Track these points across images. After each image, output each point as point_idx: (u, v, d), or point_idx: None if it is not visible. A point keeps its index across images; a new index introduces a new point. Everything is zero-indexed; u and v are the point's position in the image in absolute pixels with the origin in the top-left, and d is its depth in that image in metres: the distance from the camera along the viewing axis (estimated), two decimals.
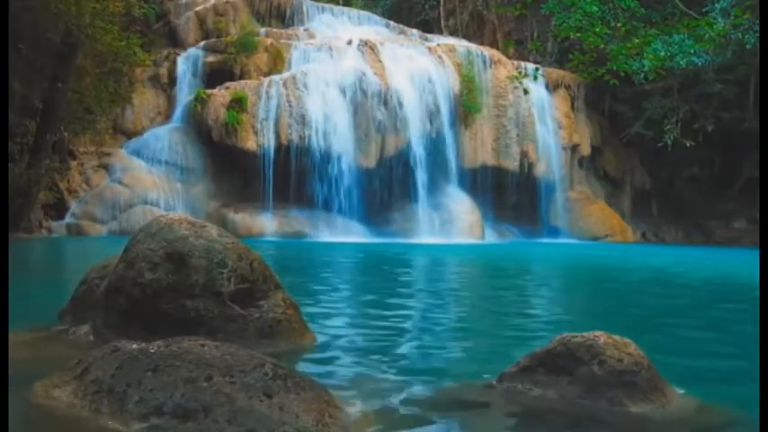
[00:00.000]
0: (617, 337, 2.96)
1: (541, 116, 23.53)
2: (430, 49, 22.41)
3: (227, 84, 19.92)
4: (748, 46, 19.40)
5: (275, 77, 20.08)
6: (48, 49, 14.95)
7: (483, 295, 8.06)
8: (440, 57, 22.07)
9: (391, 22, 25.12)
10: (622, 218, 24.91)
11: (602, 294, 8.47)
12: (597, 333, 2.97)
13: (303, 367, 3.41)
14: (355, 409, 2.71)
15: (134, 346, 2.70)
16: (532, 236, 22.75)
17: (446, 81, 21.58)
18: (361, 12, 25.85)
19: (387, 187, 20.61)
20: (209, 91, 19.75)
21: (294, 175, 19.36)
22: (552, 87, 24.18)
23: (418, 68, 21.27)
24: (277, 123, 19.43)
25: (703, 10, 16.75)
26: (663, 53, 16.24)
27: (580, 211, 23.92)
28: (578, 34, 11.79)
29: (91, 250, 12.73)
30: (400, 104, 20.49)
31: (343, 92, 20.10)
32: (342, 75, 20.24)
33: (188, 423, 2.34)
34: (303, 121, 19.50)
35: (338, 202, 19.95)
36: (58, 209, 17.70)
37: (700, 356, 4.32)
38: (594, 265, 13.44)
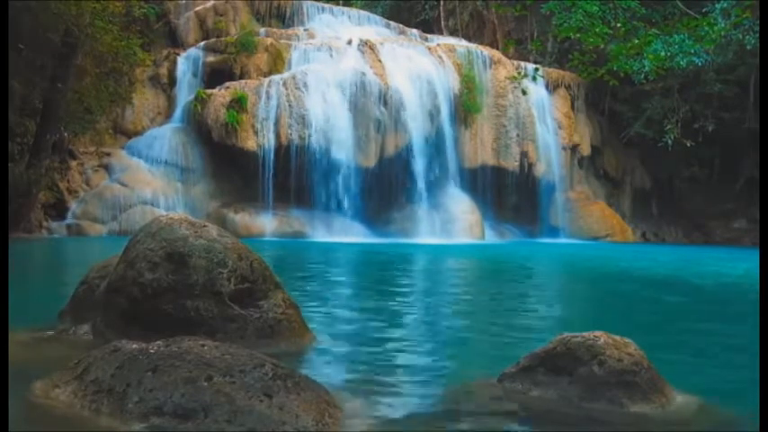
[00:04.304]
0: (617, 337, 2.96)
1: (541, 116, 23.52)
2: (430, 49, 22.40)
3: (227, 84, 19.90)
4: (748, 46, 19.41)
5: (275, 77, 20.06)
6: (48, 49, 14.93)
7: (483, 295, 8.06)
8: (440, 57, 22.06)
9: (391, 22, 25.10)
10: (622, 218, 24.91)
11: (602, 294, 8.47)
12: (597, 333, 2.97)
13: (303, 367, 3.41)
14: (355, 409, 2.71)
15: (134, 346, 2.70)
16: (532, 236, 22.75)
17: (446, 81, 21.57)
18: (361, 12, 25.81)
19: (387, 187, 20.58)
20: (209, 91, 19.73)
21: (294, 175, 19.33)
22: (552, 87, 24.16)
23: (418, 68, 21.25)
24: (277, 123, 19.42)
25: (703, 10, 16.72)
26: (663, 53, 16.24)
27: (580, 211, 23.91)
28: (578, 34, 11.77)
29: (91, 250, 12.72)
30: (400, 104, 20.47)
31: (343, 92, 20.07)
32: (342, 75, 20.22)
33: (188, 423, 2.34)
34: (303, 121, 19.48)
35: (338, 202, 19.93)
36: (58, 209, 17.68)
37: (700, 356, 4.32)
38: (594, 265, 13.43)
